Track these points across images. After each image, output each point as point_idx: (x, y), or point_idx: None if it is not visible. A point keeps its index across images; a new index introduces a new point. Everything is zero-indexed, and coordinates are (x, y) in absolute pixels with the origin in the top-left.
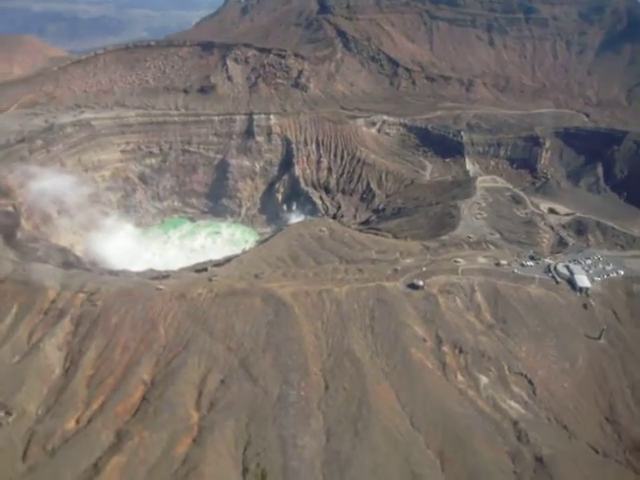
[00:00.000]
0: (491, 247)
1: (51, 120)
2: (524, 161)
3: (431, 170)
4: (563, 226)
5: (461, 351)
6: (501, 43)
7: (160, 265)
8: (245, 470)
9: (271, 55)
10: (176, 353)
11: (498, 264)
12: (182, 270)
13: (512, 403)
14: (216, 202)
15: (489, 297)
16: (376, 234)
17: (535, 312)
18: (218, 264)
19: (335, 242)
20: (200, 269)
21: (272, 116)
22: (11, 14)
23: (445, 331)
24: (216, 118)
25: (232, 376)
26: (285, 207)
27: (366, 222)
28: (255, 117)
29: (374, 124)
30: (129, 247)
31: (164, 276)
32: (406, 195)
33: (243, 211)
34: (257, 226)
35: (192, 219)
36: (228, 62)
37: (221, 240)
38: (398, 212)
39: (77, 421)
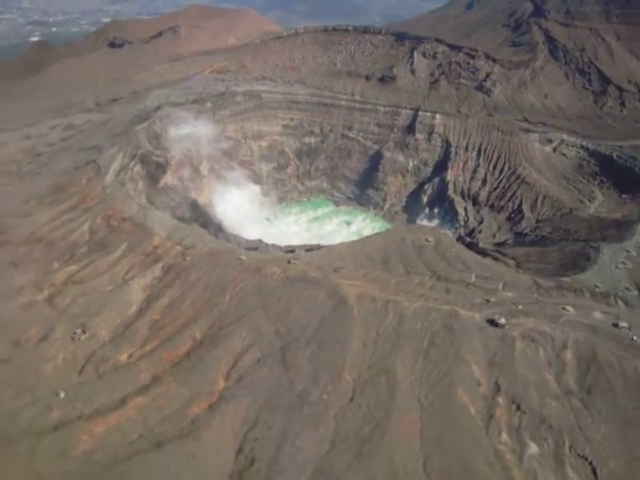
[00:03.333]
0: (620, 304)
1: (231, 87)
2: None
3: (600, 203)
4: None
5: (519, 408)
6: None
7: (274, 239)
8: (239, 450)
9: (461, 53)
10: (231, 321)
11: (616, 325)
12: (273, 247)
13: None
14: (362, 191)
15: (582, 359)
16: (496, 258)
17: (636, 392)
18: (310, 249)
19: (436, 255)
20: (289, 250)
21: (438, 115)
22: None
23: (508, 381)
24: (382, 109)
25: (268, 358)
26: (427, 210)
27: (501, 244)
28: (420, 113)
29: (550, 142)
30: (255, 213)
31: (253, 248)
32: (557, 225)
33: (387, 206)
34: (396, 223)
35: (336, 203)
36: (415, 55)
37: (347, 231)
38: (539, 241)
39: (129, 356)
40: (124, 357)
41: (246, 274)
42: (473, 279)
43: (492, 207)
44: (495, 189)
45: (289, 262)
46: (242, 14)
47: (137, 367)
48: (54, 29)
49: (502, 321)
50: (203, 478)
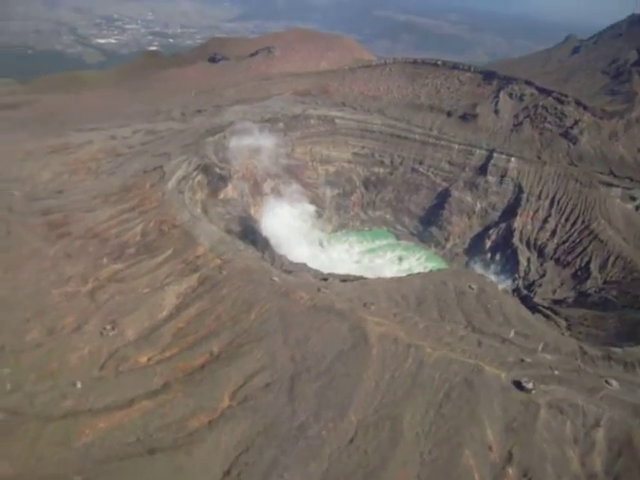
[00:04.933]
0: None
1: (308, 110)
2: None
3: None
4: None
5: None
6: None
7: (320, 265)
8: (227, 472)
9: (550, 97)
10: (250, 340)
11: None
12: (315, 273)
13: None
14: (425, 228)
15: (614, 441)
16: (547, 316)
17: None
18: (345, 279)
19: (477, 304)
20: (323, 278)
21: (513, 159)
22: (380, 21)
23: (523, 451)
24: (456, 146)
25: (277, 384)
26: (489, 255)
27: (559, 301)
28: (495, 155)
29: (633, 199)
30: (309, 235)
31: (288, 271)
32: (625, 289)
33: (448, 245)
34: (455, 265)
35: (398, 237)
36: (501, 95)
37: (398, 268)
38: (602, 304)
39: (149, 359)
40: (144, 359)
41: (274, 296)
42: (511, 335)
43: (558, 261)
44: (564, 242)
45: (319, 290)
46: (338, 40)
47: (152, 371)
48: (171, 40)
49: (529, 385)
50: None
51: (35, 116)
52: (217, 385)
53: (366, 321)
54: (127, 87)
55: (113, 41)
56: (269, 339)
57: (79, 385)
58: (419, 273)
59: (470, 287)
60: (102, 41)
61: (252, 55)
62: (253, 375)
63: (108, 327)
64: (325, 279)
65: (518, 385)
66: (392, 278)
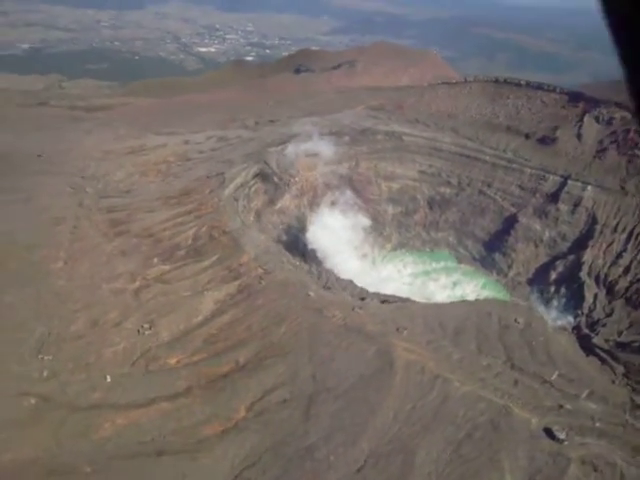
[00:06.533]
0: None
1: (377, 125)
2: None
3: None
4: None
5: None
6: None
7: (369, 283)
8: None
9: None
10: (275, 354)
11: None
12: (352, 290)
13: None
14: (489, 254)
15: None
16: (603, 360)
17: None
18: (385, 300)
19: (520, 340)
20: (361, 297)
21: (589, 187)
22: (477, 39)
23: None
24: (528, 170)
25: (294, 401)
26: (553, 288)
27: (624, 345)
28: (569, 182)
29: None
30: (363, 252)
31: (327, 287)
32: None
33: (511, 274)
34: (515, 296)
35: (459, 260)
36: (586, 118)
37: (449, 293)
38: None
39: (177, 361)
40: (173, 361)
41: (307, 312)
42: (554, 377)
43: (628, 300)
44: (638, 281)
45: (353, 309)
46: (422, 56)
47: (177, 374)
48: (267, 51)
49: (561, 436)
50: None
51: (122, 118)
52: (236, 395)
53: (395, 346)
54: (211, 94)
55: (213, 50)
56: (294, 355)
57: (109, 379)
58: (464, 300)
59: (516, 321)
60: (203, 49)
61: (334, 68)
62: (272, 390)
63: (145, 326)
64: (363, 298)
65: (549, 433)
66: (433, 303)
